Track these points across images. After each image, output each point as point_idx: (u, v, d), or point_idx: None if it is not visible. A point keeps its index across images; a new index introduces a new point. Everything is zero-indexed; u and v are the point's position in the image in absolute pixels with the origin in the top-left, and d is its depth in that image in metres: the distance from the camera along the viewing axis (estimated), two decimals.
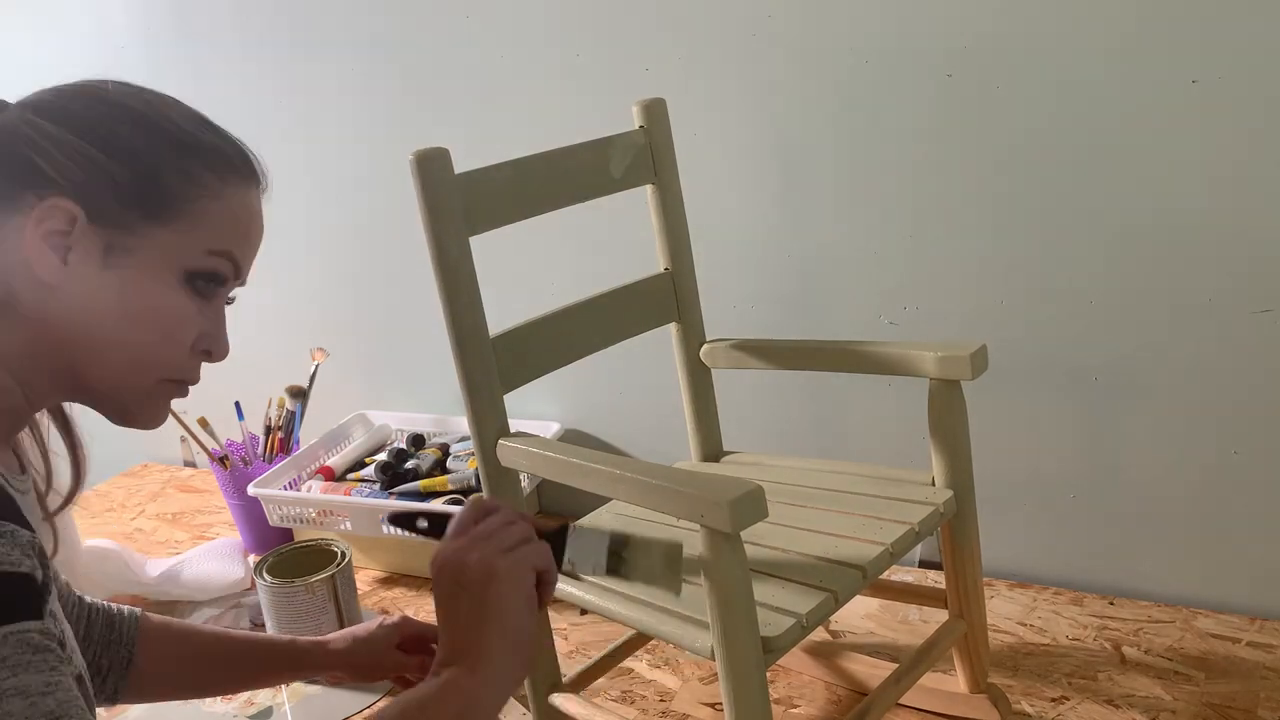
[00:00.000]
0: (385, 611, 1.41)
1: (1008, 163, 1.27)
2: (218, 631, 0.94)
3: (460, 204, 1.04)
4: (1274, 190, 1.16)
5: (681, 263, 1.15)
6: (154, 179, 0.67)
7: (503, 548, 0.68)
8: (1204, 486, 1.29)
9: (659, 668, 1.26)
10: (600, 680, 1.20)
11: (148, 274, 0.67)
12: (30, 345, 0.66)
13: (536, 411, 1.68)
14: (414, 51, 1.55)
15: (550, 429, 1.62)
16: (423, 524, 0.77)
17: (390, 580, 1.51)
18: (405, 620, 0.94)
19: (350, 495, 1.49)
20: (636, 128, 1.14)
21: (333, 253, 1.74)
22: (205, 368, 0.75)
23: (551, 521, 0.78)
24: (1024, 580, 1.42)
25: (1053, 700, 1.15)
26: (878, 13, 1.27)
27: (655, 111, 1.14)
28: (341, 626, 1.26)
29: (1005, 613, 1.33)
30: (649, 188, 1.15)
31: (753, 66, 1.35)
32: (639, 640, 1.14)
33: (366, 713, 1.20)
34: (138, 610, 0.92)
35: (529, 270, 1.52)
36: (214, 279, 0.70)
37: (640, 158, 1.11)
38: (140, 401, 0.71)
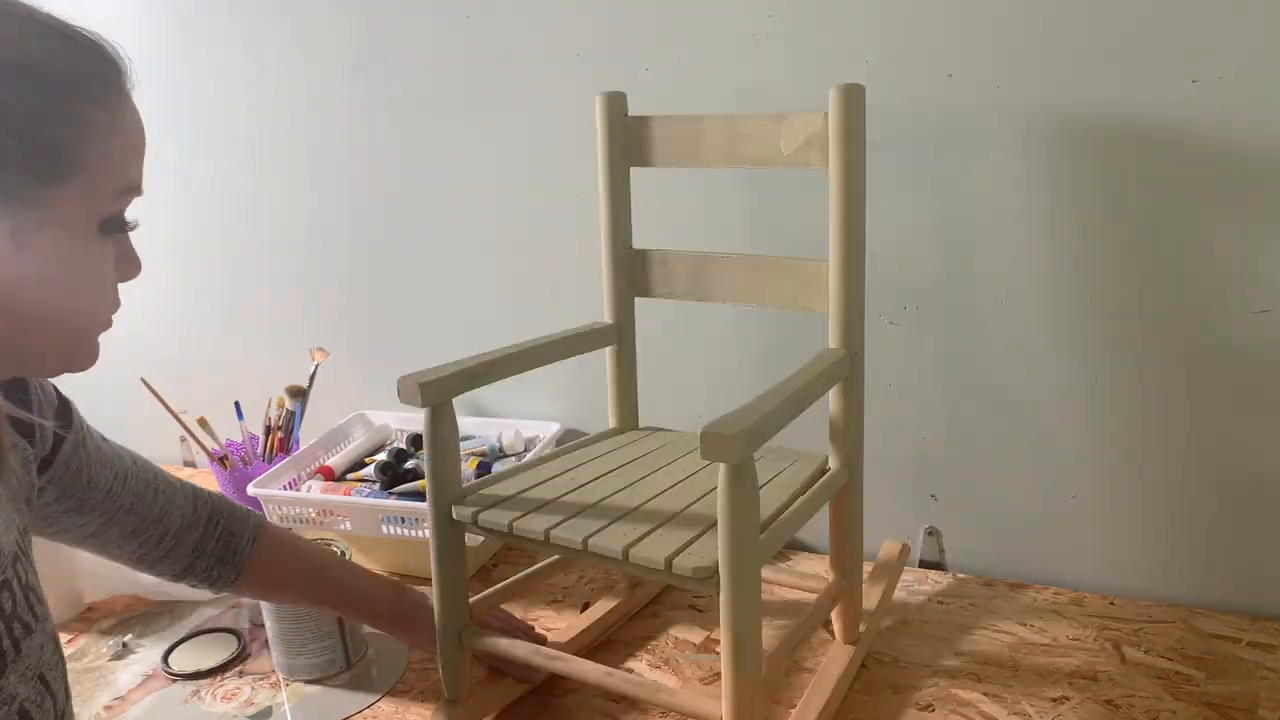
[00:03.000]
0: None
1: (1007, 163, 1.27)
2: (326, 557, 1.16)
3: (623, 140, 1.26)
4: (1274, 189, 1.16)
5: (853, 251, 1.11)
6: (41, 139, 0.58)
7: None
8: (1204, 487, 1.30)
9: (659, 668, 1.26)
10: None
11: (63, 242, 0.61)
12: None
13: (537, 411, 1.68)
14: (414, 51, 1.55)
15: (550, 429, 1.62)
16: None
17: None
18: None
19: (350, 495, 1.49)
20: (825, 111, 1.10)
21: (332, 252, 1.74)
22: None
23: None
24: (1024, 581, 1.42)
25: (1053, 700, 1.15)
26: (878, 12, 1.27)
27: (849, 97, 1.07)
28: (341, 626, 1.26)
29: (1005, 613, 1.33)
30: (826, 171, 1.11)
31: (753, 66, 1.35)
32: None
33: (366, 713, 1.19)
34: (258, 526, 1.12)
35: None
36: (124, 217, 0.66)
37: (817, 140, 1.11)
38: (78, 357, 0.69)
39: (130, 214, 0.68)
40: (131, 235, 0.70)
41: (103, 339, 0.71)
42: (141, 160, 0.68)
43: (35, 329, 0.63)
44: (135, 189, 0.67)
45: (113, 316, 0.71)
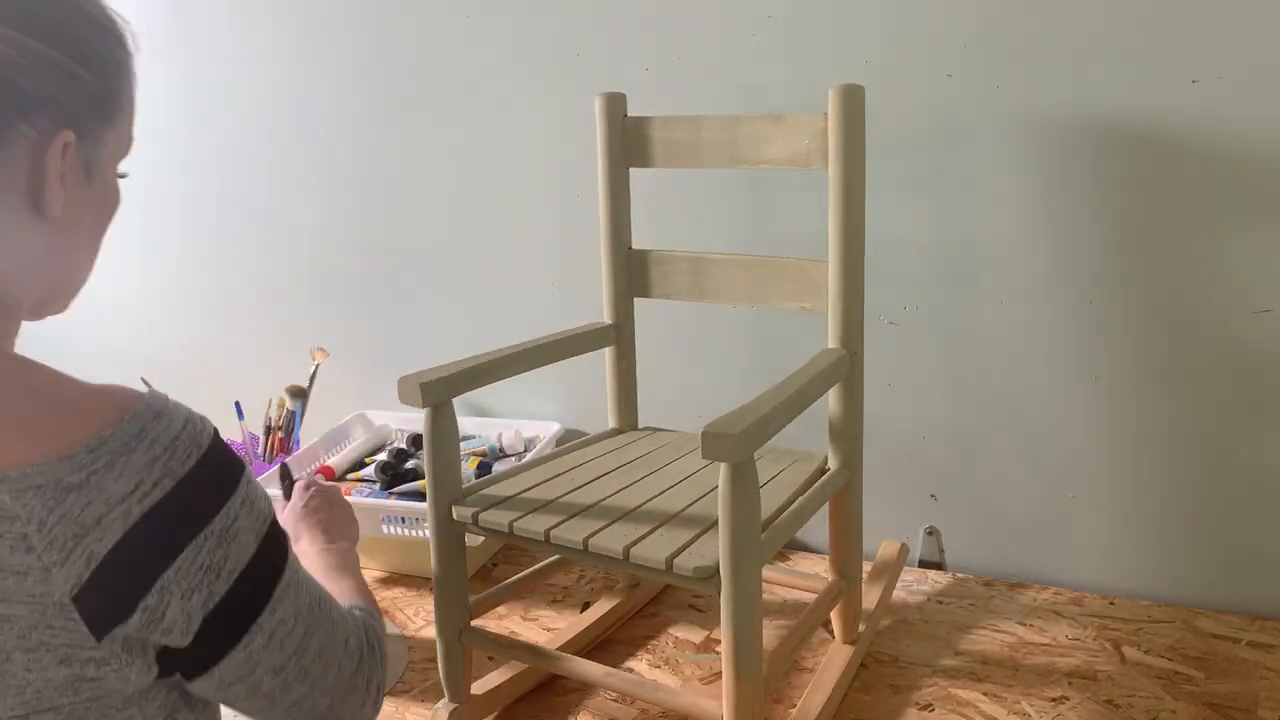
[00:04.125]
0: (385, 611, 1.41)
1: (1007, 163, 1.27)
2: None
3: (622, 140, 1.26)
4: (1273, 189, 1.16)
5: (852, 251, 1.12)
6: (111, 82, 0.63)
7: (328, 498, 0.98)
8: (1204, 487, 1.30)
9: (659, 668, 1.26)
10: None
11: (108, 178, 0.65)
12: (19, 280, 0.62)
13: (537, 411, 1.68)
14: (416, 53, 1.56)
15: (550, 429, 1.63)
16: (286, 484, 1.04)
17: (390, 580, 1.51)
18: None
19: (350, 495, 1.49)
20: (825, 111, 1.10)
21: (333, 253, 1.74)
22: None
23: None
24: (1024, 581, 1.42)
25: (1053, 700, 1.15)
26: (877, 12, 1.28)
27: (849, 98, 1.08)
28: None
29: (1005, 612, 1.33)
30: (826, 171, 1.11)
31: (753, 66, 1.36)
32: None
33: None
34: None
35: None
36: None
37: (818, 141, 1.11)
38: (66, 299, 0.69)
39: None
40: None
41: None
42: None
43: (80, 260, 0.65)
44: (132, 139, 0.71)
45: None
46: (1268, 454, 1.25)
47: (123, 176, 0.69)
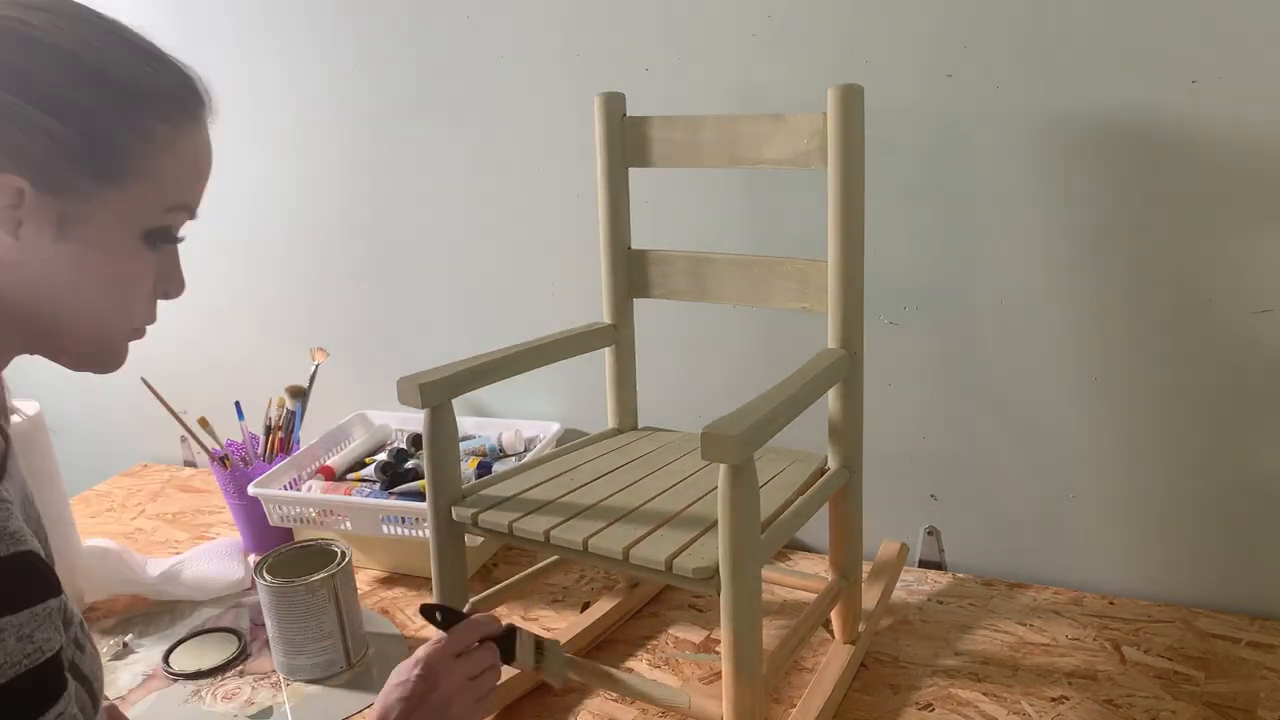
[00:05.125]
0: (385, 611, 1.41)
1: (1007, 163, 1.27)
2: None
3: (621, 140, 1.26)
4: (1273, 189, 1.16)
5: (852, 251, 1.12)
6: (103, 139, 0.61)
7: (477, 695, 0.86)
8: (1204, 486, 1.30)
9: (659, 668, 1.26)
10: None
11: (105, 240, 0.63)
12: None
13: (537, 411, 1.68)
14: (415, 53, 1.56)
15: (550, 429, 1.63)
16: (438, 616, 0.91)
17: (390, 580, 1.51)
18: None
19: (350, 495, 1.49)
20: (825, 112, 1.10)
21: (333, 252, 1.74)
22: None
23: (495, 624, 0.93)
24: (1024, 581, 1.42)
25: (1053, 700, 1.15)
26: (877, 12, 1.28)
27: (849, 98, 1.07)
28: (341, 626, 1.26)
29: (1005, 612, 1.33)
30: (825, 171, 1.11)
31: (753, 66, 1.36)
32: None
33: (366, 713, 1.19)
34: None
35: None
36: (172, 233, 0.68)
37: (817, 141, 1.11)
38: (102, 356, 0.69)
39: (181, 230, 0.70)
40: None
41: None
42: (202, 184, 0.70)
43: (63, 316, 0.65)
44: (188, 208, 0.68)
45: (146, 328, 0.71)
46: (1268, 454, 1.25)
47: (171, 242, 0.68)
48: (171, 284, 0.71)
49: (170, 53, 0.69)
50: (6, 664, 0.55)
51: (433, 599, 1.12)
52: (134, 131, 0.63)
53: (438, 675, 0.84)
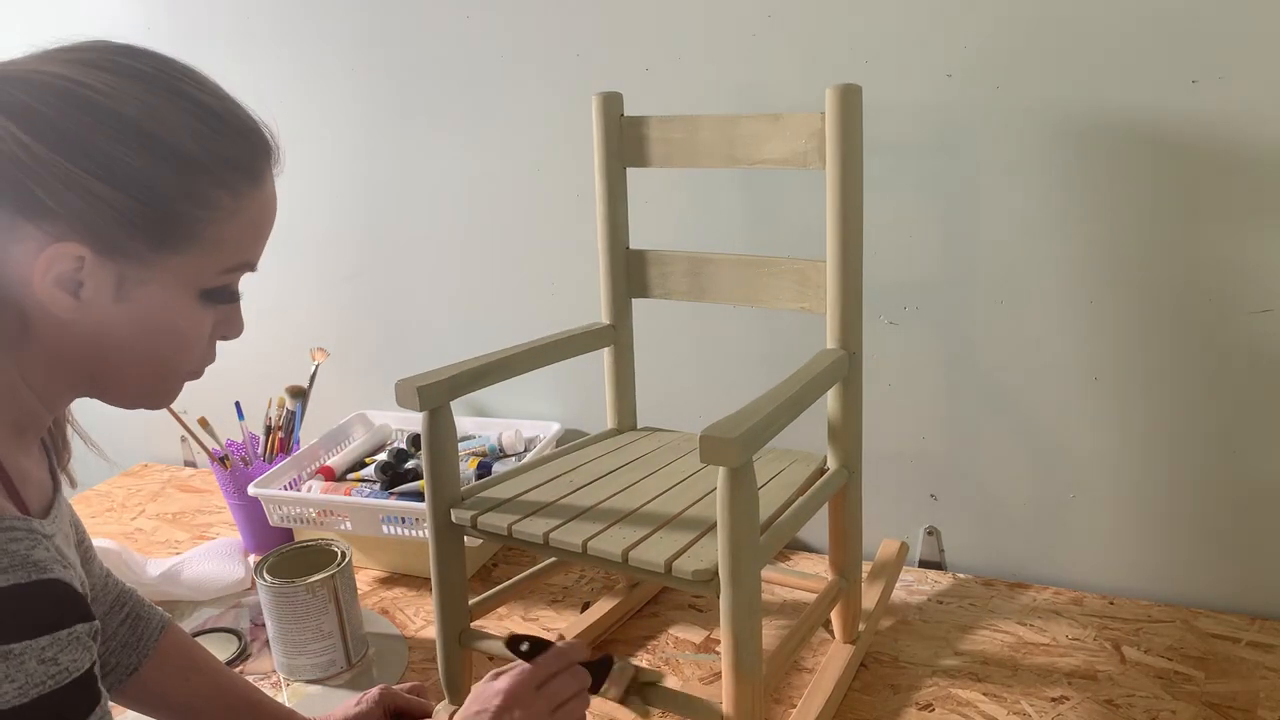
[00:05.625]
0: (385, 611, 1.41)
1: (1006, 163, 1.27)
2: (232, 676, 0.96)
3: (619, 140, 1.26)
4: (1273, 189, 1.16)
5: (851, 251, 1.11)
6: (162, 207, 0.62)
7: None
8: (1204, 487, 1.30)
9: (659, 668, 1.26)
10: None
11: (163, 300, 0.65)
12: (49, 368, 0.66)
13: (537, 411, 1.68)
14: (414, 53, 1.55)
15: (550, 429, 1.63)
16: (524, 647, 0.90)
17: (390, 580, 1.51)
18: (385, 692, 0.96)
19: (350, 495, 1.49)
20: (823, 112, 1.10)
21: (333, 253, 1.74)
22: (206, 373, 0.75)
23: (584, 652, 0.92)
24: (1024, 581, 1.42)
25: (1053, 700, 1.15)
26: (877, 12, 1.27)
27: (847, 97, 1.07)
28: (341, 626, 1.26)
29: (1005, 612, 1.33)
30: (824, 171, 1.11)
31: (753, 66, 1.35)
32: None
33: None
34: (167, 619, 0.94)
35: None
36: (231, 290, 0.69)
37: (815, 141, 1.11)
38: (157, 399, 0.72)
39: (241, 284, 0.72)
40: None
41: None
42: (263, 243, 0.71)
43: (120, 368, 0.67)
44: (248, 266, 0.70)
45: (205, 368, 0.73)
46: (1268, 454, 1.25)
47: (230, 300, 0.69)
48: (230, 329, 0.73)
49: (240, 103, 0.69)
50: (29, 684, 0.57)
51: (432, 599, 1.12)
52: (194, 200, 0.63)
53: (516, 709, 0.83)
